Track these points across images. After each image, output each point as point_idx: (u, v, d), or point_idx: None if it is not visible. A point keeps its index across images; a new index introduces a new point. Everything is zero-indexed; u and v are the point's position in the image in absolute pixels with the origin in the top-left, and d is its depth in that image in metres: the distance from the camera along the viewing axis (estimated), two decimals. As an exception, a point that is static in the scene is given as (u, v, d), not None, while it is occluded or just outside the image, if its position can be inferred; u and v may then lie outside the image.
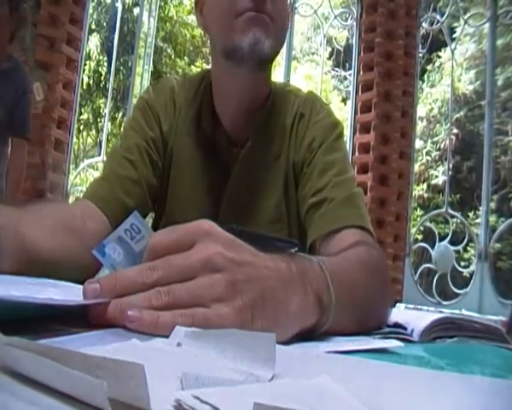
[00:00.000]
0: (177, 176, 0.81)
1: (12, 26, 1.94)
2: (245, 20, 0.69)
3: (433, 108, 7.25)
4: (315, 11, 3.50)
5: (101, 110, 7.65)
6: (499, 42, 4.67)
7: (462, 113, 6.90)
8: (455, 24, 4.08)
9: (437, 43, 4.83)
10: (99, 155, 3.35)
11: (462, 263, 3.68)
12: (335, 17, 3.51)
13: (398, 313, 0.58)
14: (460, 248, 3.27)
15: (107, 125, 3.59)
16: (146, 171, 0.77)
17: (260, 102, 0.80)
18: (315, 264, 0.43)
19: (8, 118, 1.95)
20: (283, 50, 3.28)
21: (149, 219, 0.90)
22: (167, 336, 0.30)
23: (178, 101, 0.82)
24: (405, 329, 0.52)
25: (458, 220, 3.42)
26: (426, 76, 7.12)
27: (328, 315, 0.41)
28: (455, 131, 6.56)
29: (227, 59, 0.73)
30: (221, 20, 0.73)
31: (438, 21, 3.36)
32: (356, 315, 0.46)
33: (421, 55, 3.54)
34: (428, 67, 7.14)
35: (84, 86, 7.12)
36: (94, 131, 8.27)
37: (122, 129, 0.87)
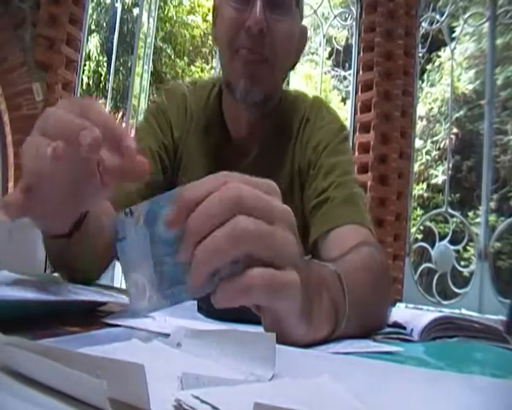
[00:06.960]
0: (184, 182, 0.81)
1: None
2: (240, 61, 0.70)
3: (432, 108, 7.24)
4: (315, 11, 3.50)
5: (101, 110, 7.63)
6: (499, 41, 4.66)
7: (461, 112, 6.89)
8: (454, 23, 4.07)
9: (437, 43, 4.82)
10: (99, 155, 3.34)
11: (462, 262, 3.68)
12: (335, 17, 3.51)
13: (397, 313, 0.57)
14: (460, 247, 3.27)
15: (106, 126, 3.59)
16: (158, 175, 0.78)
17: (270, 110, 0.80)
18: (333, 273, 0.43)
19: None
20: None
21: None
22: (167, 336, 0.30)
23: (190, 108, 0.83)
24: (404, 328, 0.52)
25: (458, 220, 3.42)
26: (426, 76, 7.11)
27: (339, 328, 0.41)
28: (455, 130, 6.55)
29: (226, 87, 0.76)
30: (223, 47, 0.74)
31: (437, 21, 3.36)
32: (360, 322, 0.46)
33: (420, 54, 3.53)
34: (428, 67, 7.13)
35: (84, 87, 7.12)
36: (94, 132, 8.25)
37: (134, 132, 0.87)
